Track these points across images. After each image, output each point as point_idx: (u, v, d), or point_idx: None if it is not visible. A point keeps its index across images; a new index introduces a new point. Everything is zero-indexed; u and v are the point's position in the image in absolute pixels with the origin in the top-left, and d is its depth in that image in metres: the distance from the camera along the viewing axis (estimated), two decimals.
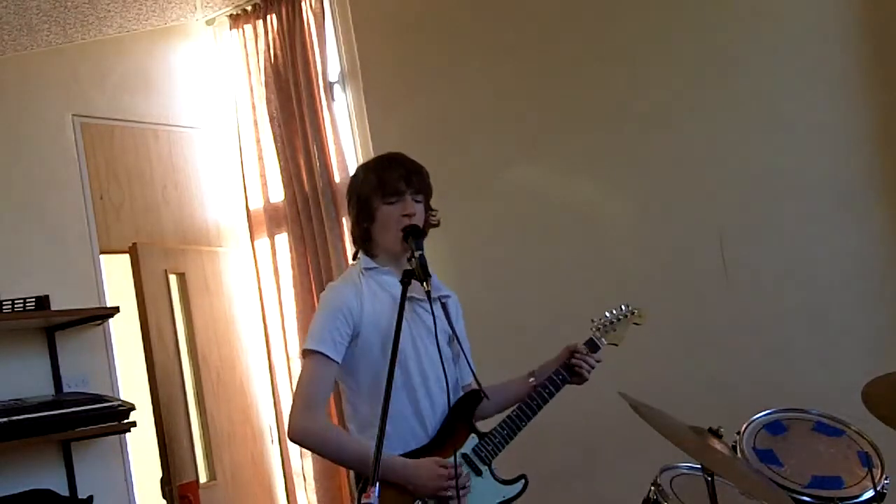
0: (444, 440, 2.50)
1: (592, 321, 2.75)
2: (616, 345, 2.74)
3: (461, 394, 2.62)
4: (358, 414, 2.54)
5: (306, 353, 2.48)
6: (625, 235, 3.94)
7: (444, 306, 2.59)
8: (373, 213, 2.54)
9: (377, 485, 1.96)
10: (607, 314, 2.76)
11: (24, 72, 4.38)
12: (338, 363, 2.47)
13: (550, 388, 2.60)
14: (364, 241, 2.60)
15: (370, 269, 2.56)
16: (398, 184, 2.52)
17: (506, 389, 2.69)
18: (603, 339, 2.71)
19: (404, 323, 2.43)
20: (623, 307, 2.79)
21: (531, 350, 2.82)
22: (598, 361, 2.66)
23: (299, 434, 2.46)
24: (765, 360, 3.58)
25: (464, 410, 2.56)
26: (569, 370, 2.63)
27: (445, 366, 2.42)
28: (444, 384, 2.43)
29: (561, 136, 4.08)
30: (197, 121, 5.10)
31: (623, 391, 2.34)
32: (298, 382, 2.52)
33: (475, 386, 2.54)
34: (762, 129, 3.67)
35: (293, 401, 2.50)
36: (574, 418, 3.73)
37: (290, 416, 2.47)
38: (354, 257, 2.67)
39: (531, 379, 2.69)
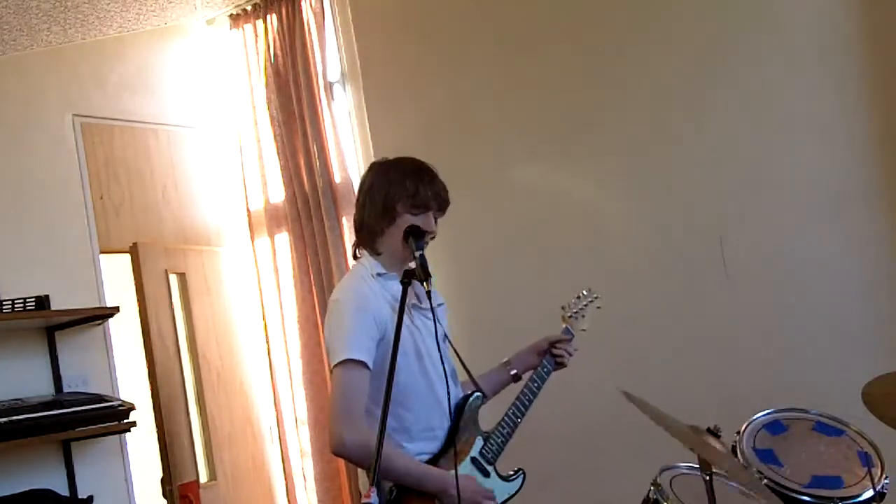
0: (454, 444, 2.52)
1: (563, 308, 2.85)
2: (585, 330, 2.84)
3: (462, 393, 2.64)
4: (373, 418, 2.42)
5: (344, 363, 2.39)
6: (625, 235, 3.94)
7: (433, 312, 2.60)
8: (394, 217, 2.53)
9: (377, 485, 1.97)
10: (574, 301, 2.88)
11: (24, 72, 4.38)
12: (370, 370, 2.40)
13: (538, 381, 2.69)
14: (372, 237, 2.57)
15: (381, 274, 2.53)
16: (430, 201, 2.54)
17: (488, 381, 2.73)
18: (575, 326, 2.82)
19: (415, 331, 2.49)
20: (586, 292, 2.92)
21: None
22: (575, 349, 2.77)
23: (345, 448, 2.37)
24: (765, 359, 3.59)
25: (468, 413, 2.57)
26: (551, 361, 2.73)
27: (448, 369, 2.47)
28: (449, 386, 2.49)
29: (561, 135, 4.08)
30: (197, 121, 5.10)
31: (622, 394, 2.34)
32: (336, 392, 2.40)
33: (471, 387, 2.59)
34: (762, 130, 3.67)
35: (334, 412, 2.38)
36: (574, 418, 3.75)
37: (332, 429, 2.37)
38: (355, 255, 2.65)
39: (509, 367, 2.78)
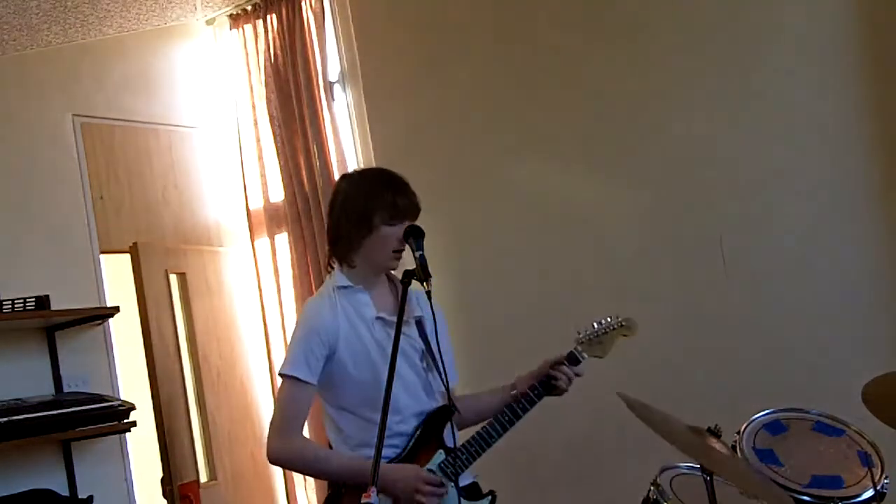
0: (412, 456, 2.52)
1: (578, 332, 2.68)
2: (600, 357, 2.67)
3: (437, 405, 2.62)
4: (341, 431, 2.56)
5: (282, 377, 2.55)
6: (625, 235, 3.94)
7: (419, 324, 2.60)
8: (371, 229, 2.53)
9: (376, 485, 1.97)
10: (594, 325, 2.69)
11: (24, 72, 4.38)
12: (313, 384, 2.51)
13: (524, 403, 2.58)
14: (348, 250, 2.57)
15: (343, 287, 2.56)
16: (406, 211, 2.55)
17: (483, 400, 2.69)
18: (584, 353, 2.65)
19: (385, 341, 2.50)
20: (611, 318, 2.71)
21: (530, 348, 2.81)
22: (577, 375, 2.63)
23: (275, 456, 2.55)
24: (765, 359, 3.58)
25: (434, 426, 2.56)
26: (545, 385, 2.61)
27: (421, 382, 2.55)
28: (413, 399, 2.55)
29: (561, 135, 4.08)
30: (197, 121, 5.10)
31: (622, 391, 2.34)
32: (274, 406, 2.60)
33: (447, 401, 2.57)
34: (762, 129, 3.67)
35: (270, 424, 2.57)
36: (574, 418, 3.74)
37: (267, 439, 2.54)
38: (328, 266, 2.65)
39: (513, 391, 2.66)
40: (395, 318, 2.43)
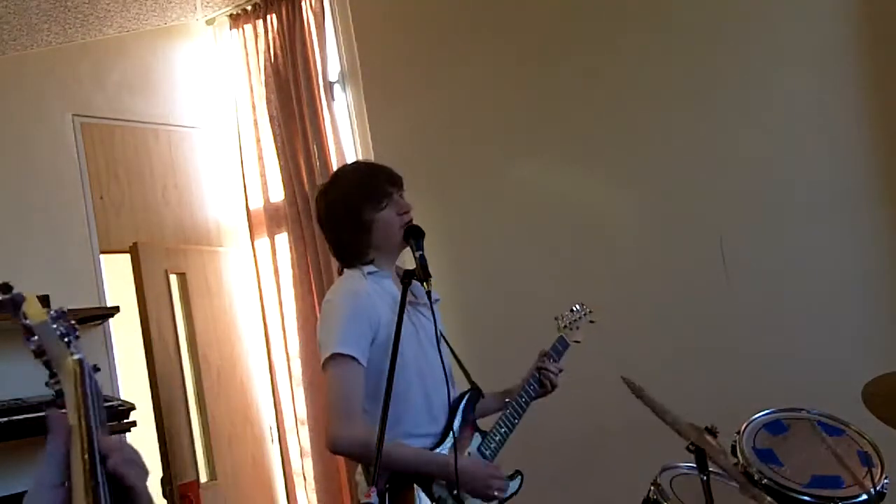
0: (454, 437, 2.50)
1: (556, 319, 2.85)
2: (578, 342, 2.85)
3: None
4: (369, 416, 2.43)
5: (334, 357, 2.37)
6: (625, 235, 3.94)
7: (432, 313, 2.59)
8: (369, 224, 2.50)
9: (376, 485, 1.97)
10: (567, 313, 2.87)
11: (24, 72, 4.38)
12: (364, 367, 2.38)
13: (535, 384, 2.68)
14: (360, 254, 2.54)
15: (373, 273, 2.52)
16: (386, 187, 2.53)
17: (480, 403, 2.69)
18: (570, 337, 2.83)
19: (409, 327, 2.45)
20: (579, 306, 2.94)
21: (530, 349, 2.82)
22: (560, 370, 2.72)
23: (344, 445, 2.38)
24: (765, 360, 3.58)
25: (466, 409, 2.56)
26: (538, 381, 2.70)
27: (447, 369, 2.46)
28: (443, 385, 2.46)
29: (561, 135, 4.09)
30: (197, 121, 5.10)
31: (622, 393, 2.34)
32: (331, 389, 2.38)
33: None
34: (762, 130, 3.67)
35: (331, 410, 2.38)
36: (573, 418, 3.74)
37: (329, 426, 2.37)
38: (340, 272, 2.61)
39: (505, 397, 2.71)
40: (423, 300, 2.47)
